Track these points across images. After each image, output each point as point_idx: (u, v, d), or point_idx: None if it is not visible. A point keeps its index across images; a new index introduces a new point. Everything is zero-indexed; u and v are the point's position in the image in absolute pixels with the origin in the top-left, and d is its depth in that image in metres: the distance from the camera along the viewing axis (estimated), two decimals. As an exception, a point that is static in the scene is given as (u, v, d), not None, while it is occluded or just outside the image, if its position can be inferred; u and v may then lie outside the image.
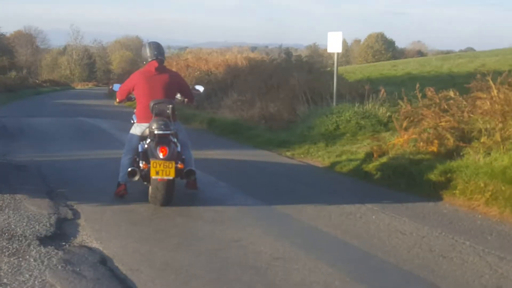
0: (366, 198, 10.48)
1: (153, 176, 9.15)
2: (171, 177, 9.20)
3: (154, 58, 10.16)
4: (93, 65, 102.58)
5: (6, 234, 7.66)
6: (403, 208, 9.77)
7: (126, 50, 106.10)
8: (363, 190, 11.27)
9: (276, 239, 7.90)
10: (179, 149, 9.73)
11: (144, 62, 10.29)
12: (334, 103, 18.08)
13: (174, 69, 32.40)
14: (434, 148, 11.89)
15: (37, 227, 8.08)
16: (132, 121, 10.65)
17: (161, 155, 9.17)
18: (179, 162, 9.44)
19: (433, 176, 10.85)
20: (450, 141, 11.78)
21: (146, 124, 9.87)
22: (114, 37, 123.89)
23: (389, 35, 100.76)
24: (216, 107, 25.71)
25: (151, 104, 9.83)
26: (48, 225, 8.22)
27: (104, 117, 25.74)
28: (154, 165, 9.11)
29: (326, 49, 19.72)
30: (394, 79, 29.25)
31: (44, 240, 7.54)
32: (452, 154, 11.48)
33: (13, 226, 8.01)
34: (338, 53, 18.20)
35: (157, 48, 10.26)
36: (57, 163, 13.41)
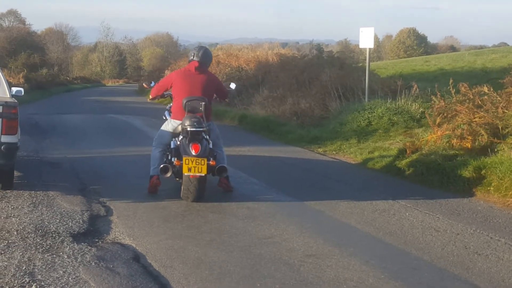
0: (399, 195, 10.40)
1: (185, 172, 9.24)
2: (203, 174, 9.27)
3: (197, 59, 10.31)
4: (124, 62, 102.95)
5: (40, 230, 7.69)
6: (436, 205, 9.68)
7: (156, 47, 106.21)
8: (396, 187, 11.18)
9: (309, 236, 7.86)
10: (211, 146, 9.83)
11: (190, 59, 10.48)
12: (366, 99, 18.01)
13: None
14: (468, 144, 11.78)
15: (70, 223, 8.11)
16: (164, 117, 10.85)
17: (193, 152, 9.27)
18: (211, 159, 9.50)
19: (467, 172, 10.74)
20: (484, 137, 11.65)
21: (179, 121, 10.01)
22: (145, 33, 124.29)
23: (421, 30, 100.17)
24: (247, 104, 25.71)
25: (184, 101, 9.98)
26: (81, 221, 8.25)
27: (135, 114, 25.85)
28: (187, 162, 9.20)
29: (357, 45, 19.68)
30: (426, 74, 28.99)
31: (77, 237, 7.57)
32: (486, 150, 11.37)
33: (46, 223, 8.05)
34: (370, 49, 18.11)
35: (203, 53, 10.46)
36: (89, 160, 13.48)
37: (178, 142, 9.79)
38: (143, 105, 27.59)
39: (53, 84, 52.24)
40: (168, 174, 9.64)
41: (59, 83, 56.79)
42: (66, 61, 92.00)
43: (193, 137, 9.49)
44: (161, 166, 9.67)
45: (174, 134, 10.14)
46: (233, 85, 11.49)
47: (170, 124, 10.27)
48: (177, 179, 10.03)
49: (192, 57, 10.41)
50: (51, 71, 62.69)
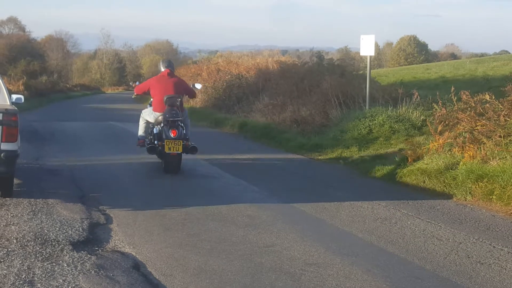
0: (400, 203, 10.37)
1: (167, 151, 12.36)
2: (179, 152, 12.47)
3: (168, 68, 13.92)
4: (124, 69, 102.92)
5: (39, 239, 7.65)
6: (438, 214, 9.64)
7: (156, 54, 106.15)
8: (397, 195, 11.13)
9: (310, 244, 7.83)
10: (185, 131, 12.95)
11: (162, 69, 13.96)
12: (367, 107, 17.94)
13: (204, 73, 32.70)
14: (470, 153, 11.72)
15: (70, 231, 8.07)
16: (148, 106, 14.32)
17: (172, 135, 12.46)
18: (186, 141, 12.69)
19: (469, 181, 10.70)
20: (486, 145, 11.62)
21: (159, 113, 13.18)
22: (144, 41, 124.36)
23: (421, 37, 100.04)
24: (247, 111, 25.66)
25: (165, 98, 13.14)
26: (80, 230, 8.21)
27: (135, 121, 25.62)
28: (167, 143, 12.37)
29: (358, 52, 19.63)
30: (427, 82, 28.96)
31: (77, 245, 7.53)
32: (488, 158, 11.31)
33: (46, 231, 8.01)
34: (370, 56, 18.07)
35: (169, 63, 14.32)
36: (89, 167, 13.44)
37: (160, 129, 12.90)
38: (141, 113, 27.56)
39: (53, 92, 52.12)
40: (154, 153, 13.05)
41: (59, 91, 56.67)
42: (65, 68, 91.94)
43: (172, 124, 12.68)
44: (148, 146, 13.08)
45: (156, 123, 13.26)
46: (198, 85, 15.92)
47: (152, 115, 13.54)
48: (160, 159, 13.03)
49: (163, 68, 13.94)
50: (51, 78, 62.47)
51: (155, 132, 13.17)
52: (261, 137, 19.90)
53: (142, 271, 6.70)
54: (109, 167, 13.60)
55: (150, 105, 14.04)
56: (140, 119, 14.05)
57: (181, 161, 12.67)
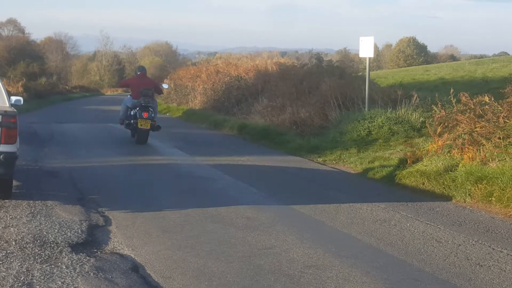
0: (400, 205, 10.37)
1: (139, 126, 17.43)
2: (148, 128, 17.49)
3: (142, 71, 19.46)
4: (123, 71, 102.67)
5: (38, 241, 7.64)
6: (438, 216, 9.63)
7: (155, 55, 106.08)
8: (396, 197, 11.13)
9: (309, 246, 7.82)
10: (153, 115, 17.80)
11: (138, 73, 19.40)
12: (366, 109, 17.94)
13: (203, 75, 32.95)
14: (469, 154, 11.72)
15: (68, 233, 8.06)
16: (128, 96, 19.42)
17: (144, 116, 17.41)
18: (153, 122, 17.62)
19: (468, 183, 10.70)
20: (486, 147, 11.61)
21: (136, 101, 18.12)
22: (144, 42, 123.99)
23: (421, 39, 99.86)
24: (246, 113, 25.63)
25: (141, 90, 18.00)
26: (79, 231, 8.20)
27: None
28: (140, 122, 17.41)
29: (357, 54, 19.62)
30: (427, 84, 28.98)
31: (75, 247, 7.52)
32: (487, 160, 11.31)
33: (45, 233, 8.00)
34: (369, 58, 18.07)
35: (143, 68, 19.90)
36: (88, 169, 13.43)
37: (135, 111, 17.83)
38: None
39: (52, 93, 52.03)
40: (129, 128, 18.61)
41: (58, 92, 56.58)
42: (65, 70, 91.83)
43: (145, 108, 17.59)
44: (126, 123, 18.64)
45: (133, 107, 18.25)
46: (165, 85, 23.94)
47: (131, 102, 18.61)
48: (133, 137, 18.36)
49: (139, 72, 19.41)
50: (50, 80, 62.39)
51: (132, 114, 18.35)
52: (260, 139, 19.89)
53: (141, 273, 6.70)
54: (108, 168, 13.60)
55: (130, 95, 19.08)
56: (122, 105, 19.41)
57: (148, 135, 17.85)
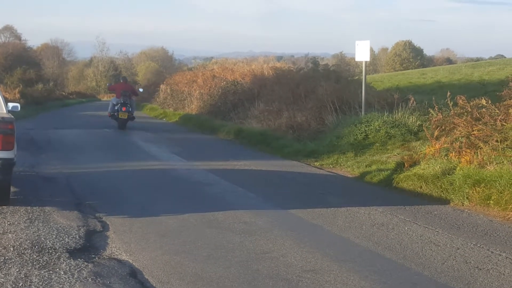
0: (397, 209, 10.36)
1: (120, 117, 25.27)
2: (125, 117, 25.36)
3: (124, 80, 28.26)
4: (119, 76, 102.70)
5: (36, 246, 7.63)
6: (436, 219, 9.63)
7: (151, 61, 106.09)
8: (394, 201, 11.12)
9: (307, 251, 7.81)
10: (130, 109, 25.54)
11: (121, 80, 28.45)
12: (363, 112, 17.96)
13: (200, 80, 33.47)
14: (466, 157, 11.71)
15: (66, 239, 8.05)
16: (115, 96, 26.69)
17: (123, 110, 25.15)
18: (130, 114, 25.56)
19: (466, 186, 10.70)
20: (483, 150, 11.60)
21: (119, 99, 25.54)
22: (140, 48, 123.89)
23: (417, 42, 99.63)
24: (243, 117, 25.65)
25: (122, 91, 25.71)
26: (77, 237, 8.19)
27: (130, 128, 25.79)
28: (120, 113, 25.20)
29: (353, 58, 19.73)
30: (423, 87, 29.02)
31: (73, 253, 7.51)
32: (485, 163, 11.31)
33: (43, 239, 7.99)
34: (366, 62, 18.09)
35: (125, 78, 28.70)
36: (85, 175, 13.42)
37: (118, 107, 25.32)
38: (138, 120, 27.60)
39: (49, 99, 52.01)
40: (114, 119, 25.91)
41: (55, 98, 56.57)
42: (61, 76, 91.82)
43: (124, 104, 25.19)
44: (111, 115, 25.86)
45: (117, 104, 25.51)
46: (141, 89, 35.18)
47: (115, 100, 25.88)
48: (118, 127, 25.47)
49: (122, 80, 28.14)
50: (47, 86, 62.20)
51: (115, 108, 25.61)
52: (257, 143, 19.90)
53: (139, 278, 6.68)
54: (105, 174, 13.59)
55: (115, 96, 26.68)
56: (110, 103, 26.98)
57: (126, 122, 25.54)
